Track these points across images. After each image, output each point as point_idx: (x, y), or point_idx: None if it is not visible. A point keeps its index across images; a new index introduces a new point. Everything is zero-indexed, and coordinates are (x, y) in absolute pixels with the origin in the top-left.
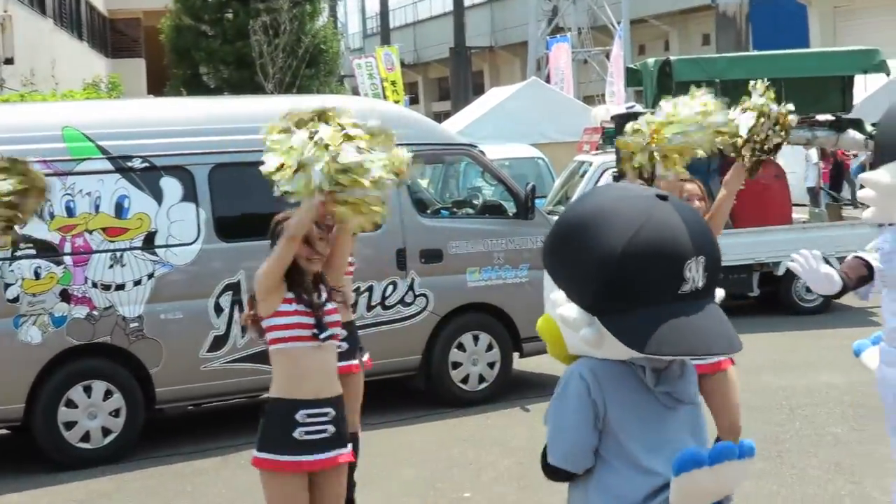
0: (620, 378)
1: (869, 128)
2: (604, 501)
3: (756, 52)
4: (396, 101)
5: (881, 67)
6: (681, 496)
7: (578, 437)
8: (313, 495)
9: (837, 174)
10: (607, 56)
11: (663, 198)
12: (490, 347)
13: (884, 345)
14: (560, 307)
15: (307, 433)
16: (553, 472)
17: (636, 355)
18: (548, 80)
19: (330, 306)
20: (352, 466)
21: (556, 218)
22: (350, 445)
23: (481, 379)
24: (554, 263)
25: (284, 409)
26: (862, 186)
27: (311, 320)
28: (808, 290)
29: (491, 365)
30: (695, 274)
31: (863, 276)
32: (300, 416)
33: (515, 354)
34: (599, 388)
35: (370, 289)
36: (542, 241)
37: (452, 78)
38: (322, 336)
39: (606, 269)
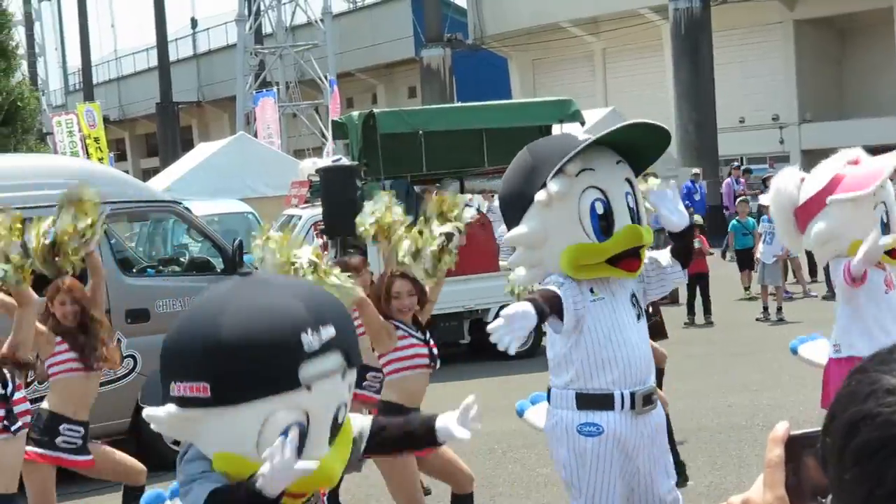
0: None
1: None
2: None
3: (458, 104)
4: (100, 159)
5: (576, 116)
6: None
7: None
8: None
9: None
10: (316, 110)
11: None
12: None
13: (555, 390)
14: None
15: None
16: None
17: None
18: (256, 135)
19: (18, 395)
20: None
21: None
22: None
23: None
24: None
25: None
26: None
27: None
28: None
29: None
30: None
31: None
32: None
33: None
34: None
35: None
36: None
37: (160, 134)
38: (13, 428)
39: None
